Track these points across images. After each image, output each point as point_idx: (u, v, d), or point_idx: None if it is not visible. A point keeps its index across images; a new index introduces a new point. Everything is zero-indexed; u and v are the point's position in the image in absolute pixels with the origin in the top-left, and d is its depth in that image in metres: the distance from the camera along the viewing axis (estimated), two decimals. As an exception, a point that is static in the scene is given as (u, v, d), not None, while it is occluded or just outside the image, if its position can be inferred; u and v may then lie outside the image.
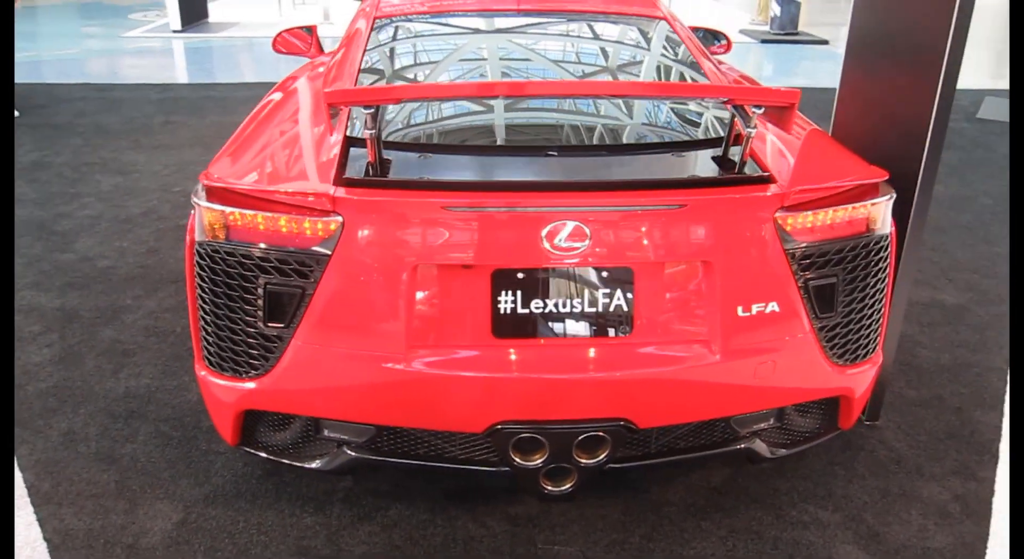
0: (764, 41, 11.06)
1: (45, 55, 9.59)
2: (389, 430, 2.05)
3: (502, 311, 1.93)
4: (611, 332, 1.97)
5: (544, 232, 1.85)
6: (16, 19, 11.59)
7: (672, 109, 2.48)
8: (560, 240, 1.85)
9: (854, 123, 2.86)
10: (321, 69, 2.90)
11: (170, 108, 7.09)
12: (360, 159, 2.00)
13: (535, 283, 1.93)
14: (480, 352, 1.94)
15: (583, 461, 2.01)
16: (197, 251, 1.99)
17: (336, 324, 1.90)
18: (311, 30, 4.02)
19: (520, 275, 1.92)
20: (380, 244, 1.85)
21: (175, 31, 11.14)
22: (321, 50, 4.03)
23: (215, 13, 12.74)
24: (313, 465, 2.12)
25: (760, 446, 2.18)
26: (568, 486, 2.05)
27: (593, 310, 1.96)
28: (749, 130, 1.93)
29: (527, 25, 3.08)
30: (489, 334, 1.94)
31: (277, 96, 2.69)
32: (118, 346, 3.23)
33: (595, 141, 2.30)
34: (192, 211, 2.06)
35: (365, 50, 2.61)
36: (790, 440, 2.28)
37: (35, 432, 2.70)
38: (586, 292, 1.95)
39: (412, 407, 1.95)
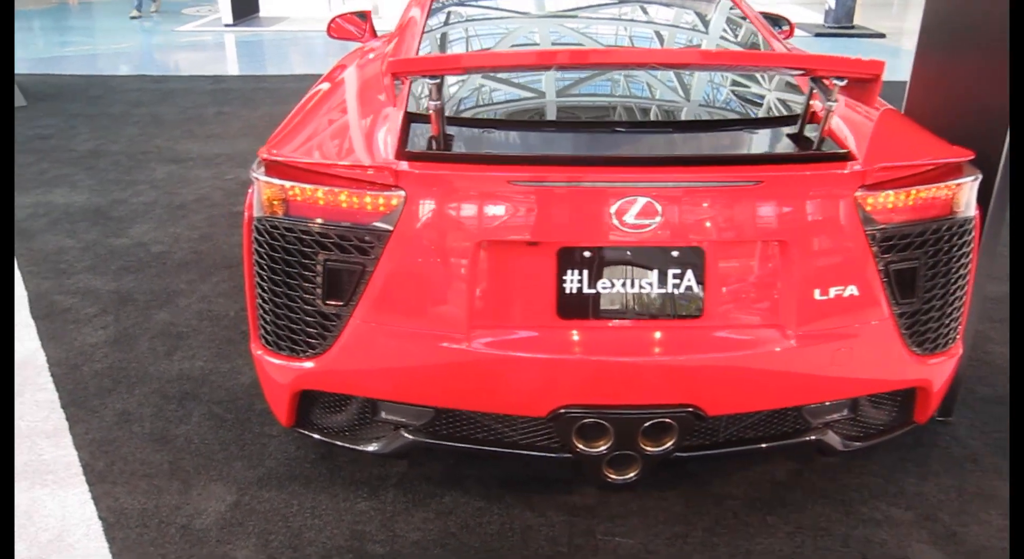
0: (819, 34, 10.81)
1: (101, 49, 9.76)
2: (448, 413, 2.00)
3: (567, 291, 1.87)
4: (680, 314, 1.89)
5: (613, 209, 1.77)
6: (71, 15, 11.84)
7: (740, 85, 2.38)
8: (630, 217, 1.78)
9: (929, 110, 2.74)
10: (371, 55, 2.87)
11: (223, 99, 7.15)
12: (422, 134, 1.95)
13: (602, 262, 1.86)
14: (544, 333, 1.87)
15: (648, 449, 1.93)
16: (255, 227, 1.96)
17: (396, 302, 1.85)
18: (365, 15, 3.99)
19: (587, 253, 1.85)
20: (443, 220, 1.80)
21: (227, 25, 11.27)
22: (375, 35, 4.00)
23: (265, 7, 12.86)
24: (370, 448, 2.07)
25: (832, 438, 2.08)
26: (632, 475, 1.98)
27: (662, 291, 1.88)
28: (830, 103, 1.83)
29: (586, 8, 3.00)
30: (554, 314, 1.88)
31: (333, 77, 2.66)
32: (172, 329, 3.23)
33: (661, 117, 2.22)
34: (250, 188, 2.03)
35: (422, 34, 2.55)
36: (863, 433, 2.17)
37: (90, 411, 2.70)
38: (655, 272, 1.87)
39: (472, 389, 1.89)
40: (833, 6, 10.98)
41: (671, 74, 2.35)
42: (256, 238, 1.96)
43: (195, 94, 7.31)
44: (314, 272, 1.89)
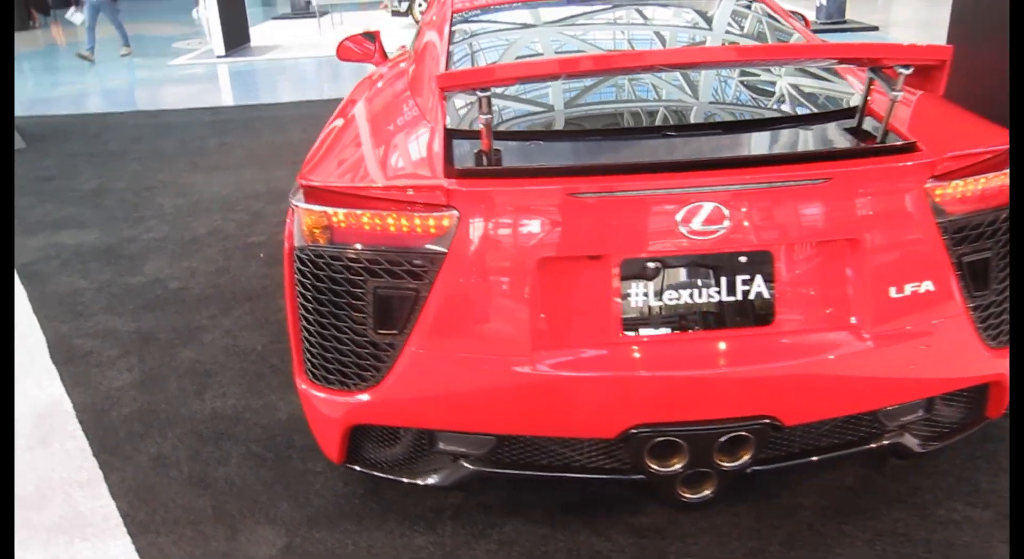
0: (813, 31, 10.76)
1: (95, 87, 9.71)
2: (511, 439, 1.90)
3: (632, 304, 1.78)
4: (751, 322, 1.80)
5: (679, 216, 1.69)
6: (60, 54, 11.77)
7: (789, 82, 2.31)
8: (696, 224, 1.69)
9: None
10: (388, 77, 2.79)
11: (223, 130, 7.08)
12: (466, 151, 1.86)
13: (667, 272, 1.77)
14: (610, 350, 1.79)
15: (724, 464, 1.84)
16: (297, 257, 1.88)
17: (453, 327, 1.76)
18: (374, 37, 3.92)
19: (651, 264, 1.76)
20: (500, 238, 1.72)
21: (219, 56, 11.24)
22: (385, 56, 3.94)
23: (256, 37, 12.84)
24: (429, 481, 1.98)
25: (910, 440, 2.00)
26: (707, 492, 1.89)
27: (731, 299, 1.79)
28: (895, 94, 1.76)
29: (618, 13, 2.93)
30: (619, 330, 1.79)
31: (356, 101, 2.58)
32: (199, 367, 3.14)
33: (712, 119, 2.14)
34: (288, 217, 1.95)
35: (447, 53, 2.46)
36: (938, 433, 2.08)
37: (124, 458, 2.60)
38: (723, 279, 1.78)
39: (537, 413, 1.80)
40: (825, 2, 10.97)
41: (712, 74, 2.27)
42: (299, 269, 1.88)
43: (194, 126, 7.24)
44: (364, 301, 1.80)
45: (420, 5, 13.56)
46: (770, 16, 2.81)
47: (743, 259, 1.77)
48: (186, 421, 2.79)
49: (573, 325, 1.79)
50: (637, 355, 1.78)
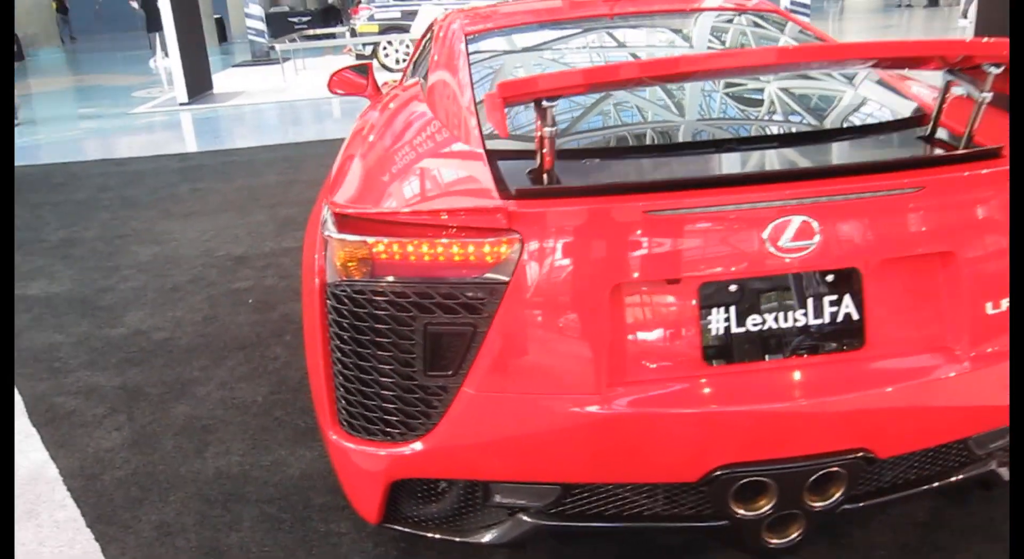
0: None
1: (56, 136, 9.42)
2: (578, 488, 1.71)
3: (713, 332, 1.62)
4: (841, 347, 1.65)
5: (766, 232, 1.54)
6: (21, 106, 11.43)
7: (837, 88, 2.18)
8: (784, 240, 1.55)
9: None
10: (398, 99, 2.62)
11: (194, 175, 6.85)
12: (515, 170, 1.70)
13: (751, 295, 1.62)
14: (691, 384, 1.62)
15: (814, 504, 1.67)
16: (332, 294, 1.69)
17: (515, 365, 1.58)
18: (366, 69, 3.78)
19: (732, 287, 1.61)
20: (569, 263, 1.55)
21: (182, 104, 11.01)
22: (378, 90, 3.79)
23: (219, 84, 12.65)
24: (484, 539, 1.77)
25: (998, 468, 1.84)
26: (794, 536, 1.71)
27: (818, 322, 1.64)
28: (985, 95, 1.64)
29: (641, 28, 2.81)
30: (699, 361, 1.63)
31: (370, 124, 2.41)
32: (196, 422, 2.90)
33: (774, 130, 2.00)
34: (316, 253, 1.77)
35: (469, 69, 2.31)
36: (1024, 460, 1.93)
37: (123, 527, 2.35)
38: (809, 301, 1.63)
39: (611, 457, 1.62)
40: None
41: (765, 85, 2.15)
42: (333, 307, 1.69)
43: (164, 173, 7.00)
44: (412, 340, 1.61)
45: (384, 49, 13.52)
46: (792, 29, 2.71)
47: (830, 278, 1.63)
48: (188, 483, 2.54)
49: (649, 357, 1.62)
50: (721, 388, 1.61)
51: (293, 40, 14.13)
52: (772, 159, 1.75)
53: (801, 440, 1.62)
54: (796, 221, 1.54)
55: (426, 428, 1.67)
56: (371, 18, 13.76)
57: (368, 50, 13.88)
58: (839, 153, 1.78)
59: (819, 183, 1.55)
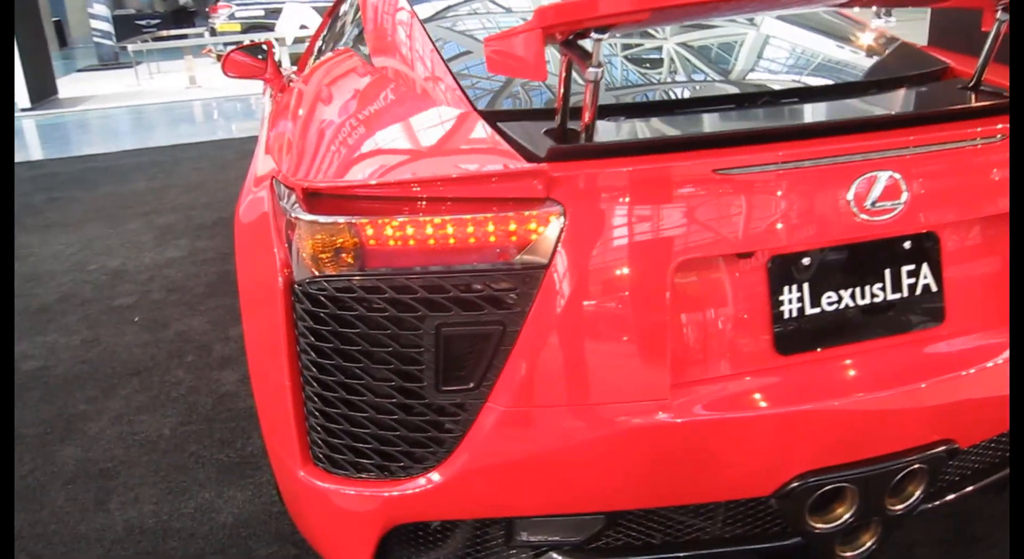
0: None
1: None
2: (627, 517, 1.40)
3: (786, 315, 1.35)
4: (920, 325, 1.42)
5: (851, 192, 1.29)
6: None
7: (872, 45, 1.95)
8: (870, 201, 1.30)
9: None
10: (331, 63, 2.21)
11: (48, 184, 6.09)
12: (527, 132, 1.36)
13: (826, 269, 1.36)
14: (765, 379, 1.34)
15: (895, 508, 1.44)
16: (303, 295, 1.31)
17: (556, 371, 1.26)
18: (264, 49, 3.33)
19: (805, 260, 1.34)
20: (624, 238, 1.23)
21: (24, 109, 9.95)
22: (279, 72, 3.35)
23: (64, 89, 11.55)
24: (508, 589, 1.44)
25: None
26: (869, 545, 1.48)
27: (896, 297, 1.40)
28: None
29: None
30: (771, 351, 1.35)
31: (311, 90, 2.00)
32: (90, 467, 2.40)
33: (827, 81, 1.71)
34: (276, 247, 1.38)
35: (423, 24, 1.91)
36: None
37: (10, 609, 1.85)
38: (887, 273, 1.39)
39: (674, 475, 1.32)
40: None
41: (786, 38, 1.88)
42: (307, 312, 1.31)
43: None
44: (419, 347, 1.26)
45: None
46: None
47: (907, 244, 1.39)
48: (92, 544, 2.06)
49: (715, 350, 1.34)
50: (797, 381, 1.35)
51: (145, 41, 13.12)
52: (840, 109, 1.50)
53: (885, 436, 1.38)
54: (883, 178, 1.29)
55: (437, 458, 1.32)
56: (232, 16, 12.97)
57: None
58: (903, 103, 1.56)
59: (902, 132, 1.31)
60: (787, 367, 1.36)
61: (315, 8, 13.25)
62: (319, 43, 3.16)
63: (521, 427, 1.28)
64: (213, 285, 3.82)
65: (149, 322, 3.43)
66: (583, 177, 1.22)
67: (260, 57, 3.35)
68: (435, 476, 1.33)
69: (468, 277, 1.23)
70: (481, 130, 1.38)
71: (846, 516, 1.40)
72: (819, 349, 1.37)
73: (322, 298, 1.29)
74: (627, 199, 1.23)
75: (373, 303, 1.26)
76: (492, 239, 1.23)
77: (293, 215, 1.31)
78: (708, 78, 1.72)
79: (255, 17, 12.84)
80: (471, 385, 1.27)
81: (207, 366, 2.99)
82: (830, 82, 1.70)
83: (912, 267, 1.40)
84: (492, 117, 1.44)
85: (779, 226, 1.28)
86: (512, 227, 1.22)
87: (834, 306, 1.37)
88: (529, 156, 1.25)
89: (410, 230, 1.24)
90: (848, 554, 1.47)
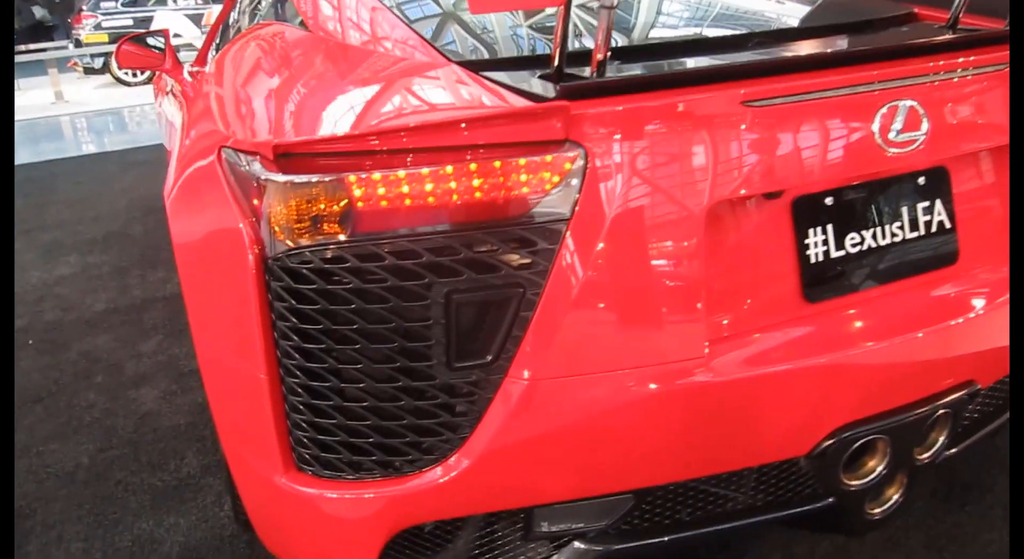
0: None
1: None
2: (656, 493, 1.28)
3: (812, 260, 1.26)
4: (937, 264, 1.36)
5: (876, 123, 1.21)
6: None
7: None
8: (895, 132, 1.22)
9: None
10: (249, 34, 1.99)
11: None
12: (521, 79, 1.22)
13: (848, 208, 1.27)
14: (796, 329, 1.25)
15: (923, 457, 1.38)
16: (281, 271, 1.12)
17: (585, 334, 1.12)
18: (163, 37, 3.06)
19: (828, 199, 1.26)
20: (652, 181, 1.11)
21: None
22: (178, 61, 3.08)
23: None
24: (531, 588, 1.29)
25: None
26: (896, 499, 1.41)
27: (914, 235, 1.34)
28: None
29: None
30: (799, 298, 1.26)
31: (247, 58, 1.77)
32: None
33: (832, 19, 1.63)
34: (242, 219, 1.19)
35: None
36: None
37: None
38: (904, 210, 1.32)
39: (707, 441, 1.21)
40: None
41: None
42: (285, 291, 1.13)
43: None
44: (427, 320, 1.10)
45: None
46: None
47: (922, 180, 1.33)
48: (12, 593, 1.78)
49: (745, 302, 1.23)
50: (828, 330, 1.26)
51: None
52: (855, 42, 1.43)
53: (913, 382, 1.31)
54: (904, 107, 1.22)
55: (451, 447, 1.16)
56: (98, 27, 12.22)
57: (98, 62, 12.30)
58: (915, 33, 1.50)
59: (917, 61, 1.24)
60: (816, 315, 1.27)
61: (188, 16, 12.66)
62: (222, 30, 2.92)
63: (546, 401, 1.13)
64: (114, 300, 3.49)
65: (46, 344, 3.08)
66: (604, 115, 1.09)
67: (150, 47, 3.07)
68: (447, 467, 1.17)
69: (480, 235, 1.08)
70: (468, 79, 1.23)
71: (879, 470, 1.33)
72: (845, 294, 1.30)
73: (305, 272, 1.11)
74: (653, 138, 1.10)
75: (369, 273, 1.09)
76: (504, 190, 1.08)
77: (263, 178, 1.13)
78: (707, 19, 1.63)
79: (124, 27, 12.14)
80: (488, 358, 1.12)
81: (121, 386, 2.70)
82: (817, 24, 1.63)
83: (927, 203, 1.34)
84: (473, 67, 1.29)
85: (807, 162, 1.19)
86: (527, 175, 1.08)
87: (857, 248, 1.29)
88: (533, 98, 1.11)
89: (406, 186, 1.08)
90: (876, 511, 1.40)
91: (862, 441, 1.28)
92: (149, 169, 6.17)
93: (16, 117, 9.61)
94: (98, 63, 12.26)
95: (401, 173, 1.07)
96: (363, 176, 1.07)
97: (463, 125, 1.07)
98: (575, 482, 1.21)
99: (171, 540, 1.90)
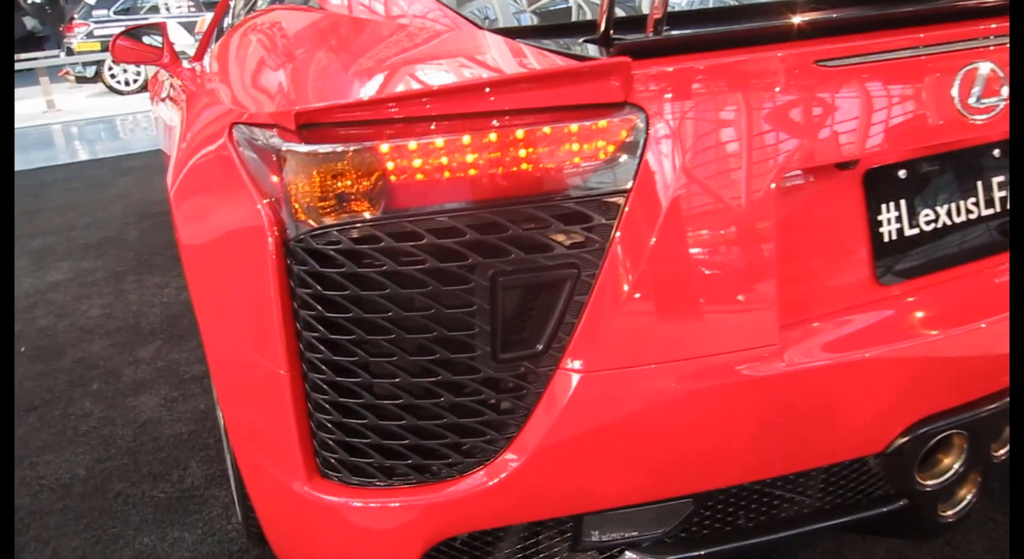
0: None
1: None
2: (717, 498, 1.16)
3: (885, 238, 1.15)
4: (1002, 239, 1.26)
5: (955, 87, 1.10)
6: None
7: None
8: (974, 97, 1.11)
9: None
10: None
11: None
12: (564, 45, 1.11)
13: (923, 181, 1.17)
14: (870, 314, 1.14)
15: (999, 453, 1.27)
16: (305, 254, 1.01)
17: (646, 320, 1.01)
18: (159, 30, 2.94)
19: (901, 172, 1.15)
20: (717, 148, 1.00)
21: None
22: (176, 56, 2.96)
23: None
24: (581, 605, 1.17)
25: None
26: (969, 499, 1.30)
27: (989, 212, 1.23)
28: None
29: None
30: (871, 280, 1.15)
31: (259, 31, 1.65)
32: (-10, 522, 1.96)
33: None
34: (261, 199, 1.08)
35: None
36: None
37: None
38: (978, 185, 1.22)
39: (777, 438, 1.10)
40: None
41: None
42: (310, 275, 1.01)
43: None
44: (470, 306, 0.99)
45: (111, 69, 11.93)
46: None
47: (997, 151, 1.22)
48: (5, 615, 1.64)
49: (816, 284, 1.12)
50: (903, 316, 1.15)
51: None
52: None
53: (991, 372, 1.20)
54: (984, 69, 1.12)
55: (495, 448, 1.04)
56: (90, 35, 12.10)
57: (90, 71, 12.17)
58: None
59: (998, 19, 1.14)
60: (889, 299, 1.16)
61: (181, 23, 12.56)
62: (219, 26, 2.81)
63: (602, 395, 1.02)
64: (109, 306, 3.36)
65: (39, 352, 2.95)
66: (667, 75, 0.97)
67: (145, 42, 2.95)
68: (491, 471, 1.05)
69: (529, 210, 0.97)
70: (505, 44, 1.12)
71: (955, 468, 1.22)
72: (919, 276, 1.19)
73: (332, 254, 0.99)
74: (719, 101, 0.99)
75: (404, 254, 0.98)
76: (555, 160, 0.97)
77: (284, 149, 1.01)
78: None
79: (115, 35, 12.01)
80: (538, 348, 1.01)
81: (118, 393, 2.57)
82: None
83: (1001, 178, 1.23)
84: (509, 34, 1.18)
85: (883, 129, 1.08)
86: (581, 143, 0.97)
87: (931, 226, 1.18)
88: (582, 61, 1.00)
89: (445, 157, 0.96)
90: (949, 513, 1.29)
91: (939, 437, 1.17)
92: (144, 175, 6.05)
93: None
94: (90, 72, 12.12)
95: (439, 142, 0.96)
96: (397, 145, 0.96)
97: (508, 87, 0.96)
98: (632, 485, 1.09)
99: (175, 556, 1.78)
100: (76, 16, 12.42)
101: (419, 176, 0.97)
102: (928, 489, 1.21)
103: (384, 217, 0.97)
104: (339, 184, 0.98)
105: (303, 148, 0.99)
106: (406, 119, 0.97)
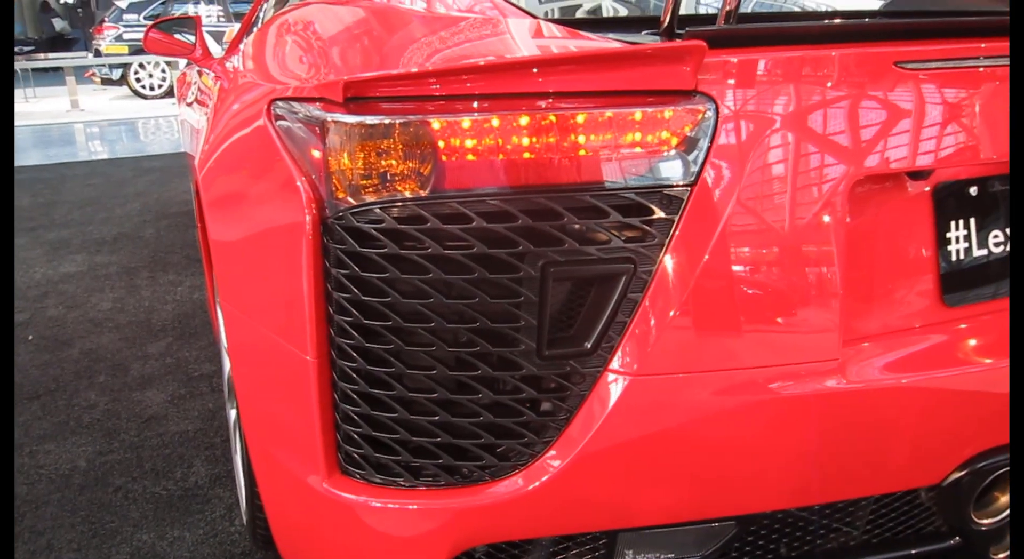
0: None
1: None
2: (760, 522, 1.09)
3: (953, 257, 1.09)
4: None
5: None
6: None
7: None
8: None
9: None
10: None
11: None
12: (625, 38, 1.06)
13: (992, 199, 1.11)
14: (934, 336, 1.07)
15: None
16: (345, 232, 0.95)
17: (702, 324, 0.94)
18: (193, 24, 2.92)
19: (973, 189, 1.09)
20: (788, 146, 0.94)
21: None
22: (208, 51, 2.94)
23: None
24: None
25: None
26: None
27: None
28: None
29: None
30: (937, 300, 1.09)
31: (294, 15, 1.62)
32: (-16, 510, 1.89)
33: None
34: (305, 176, 1.02)
35: None
36: None
37: None
38: None
39: (832, 460, 1.03)
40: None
41: None
42: (346, 256, 0.95)
43: None
44: (516, 297, 0.92)
45: (136, 73, 12.02)
46: None
47: None
48: (-7, 606, 1.57)
49: (879, 299, 1.06)
50: (968, 340, 1.08)
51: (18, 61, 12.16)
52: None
53: None
54: None
55: (533, 452, 0.98)
56: (119, 38, 12.20)
57: (116, 74, 12.26)
58: None
59: None
60: (955, 321, 1.10)
61: (209, 33, 12.65)
62: (255, 19, 2.78)
63: (651, 402, 0.95)
64: (121, 300, 3.31)
65: (47, 341, 2.90)
66: (740, 65, 0.92)
67: (179, 36, 2.92)
68: (527, 477, 0.98)
69: (587, 199, 0.91)
70: (565, 31, 1.08)
71: (1008, 508, 1.14)
72: (986, 301, 1.12)
73: (374, 233, 0.93)
74: (793, 97, 0.94)
75: (450, 237, 0.92)
76: (617, 148, 0.91)
77: (329, 119, 0.96)
78: None
79: (144, 39, 12.12)
80: (586, 347, 0.94)
81: (125, 387, 2.51)
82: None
83: None
84: (568, 25, 1.13)
85: (958, 140, 1.02)
86: (645, 130, 0.91)
87: (1000, 248, 1.12)
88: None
89: (501, 137, 0.91)
90: (1001, 556, 1.21)
91: (999, 472, 1.10)
92: (163, 175, 6.03)
93: (30, 123, 9.55)
94: (116, 74, 12.21)
95: (495, 121, 0.90)
96: (450, 121, 0.90)
97: (571, 67, 0.91)
98: (674, 502, 1.02)
99: (174, 555, 1.70)
100: (106, 19, 12.54)
101: (471, 156, 0.91)
102: (983, 528, 1.14)
103: (431, 197, 0.91)
104: (384, 160, 0.93)
105: (350, 119, 0.93)
106: (460, 96, 0.92)
